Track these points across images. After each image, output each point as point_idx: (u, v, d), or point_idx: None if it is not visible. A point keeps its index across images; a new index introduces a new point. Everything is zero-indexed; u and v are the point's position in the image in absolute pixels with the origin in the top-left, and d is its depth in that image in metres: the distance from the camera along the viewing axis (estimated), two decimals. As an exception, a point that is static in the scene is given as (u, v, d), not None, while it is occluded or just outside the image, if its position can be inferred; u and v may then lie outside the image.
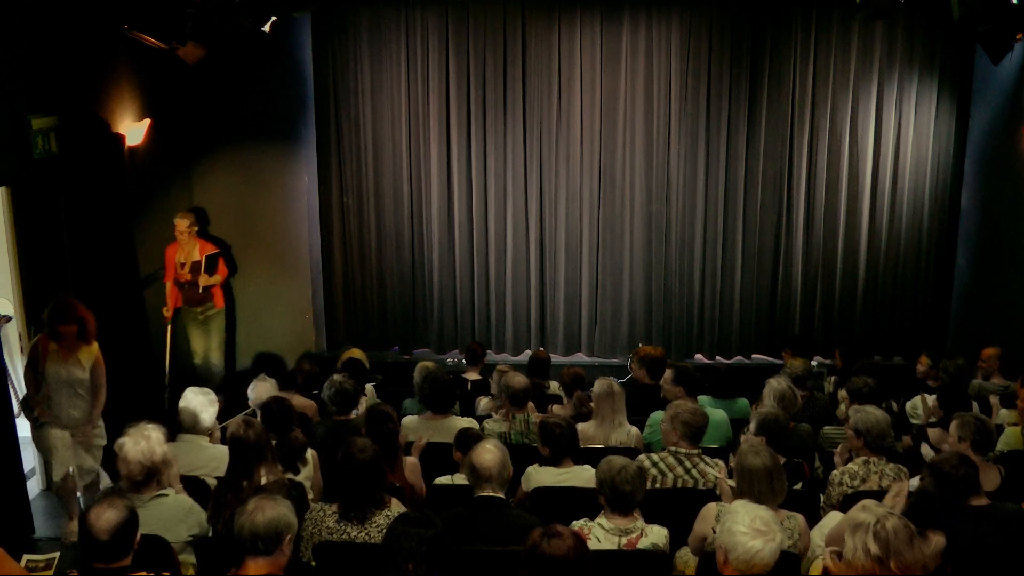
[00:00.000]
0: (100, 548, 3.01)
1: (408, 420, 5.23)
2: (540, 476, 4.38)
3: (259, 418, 4.59)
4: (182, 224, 7.57)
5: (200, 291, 7.73)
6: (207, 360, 8.08)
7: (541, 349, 8.70)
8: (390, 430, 4.42)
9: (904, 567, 2.81)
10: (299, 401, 5.70)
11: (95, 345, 5.35)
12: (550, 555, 2.82)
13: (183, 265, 7.64)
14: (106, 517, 3.01)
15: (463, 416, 5.57)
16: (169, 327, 7.72)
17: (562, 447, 4.38)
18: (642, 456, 4.49)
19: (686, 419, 4.38)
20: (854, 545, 2.88)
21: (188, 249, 7.66)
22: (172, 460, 3.95)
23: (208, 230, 8.47)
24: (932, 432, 5.22)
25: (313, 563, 3.59)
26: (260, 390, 5.38)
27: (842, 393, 6.01)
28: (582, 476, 4.38)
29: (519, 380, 5.32)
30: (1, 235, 5.81)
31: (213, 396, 4.80)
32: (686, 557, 3.98)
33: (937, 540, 3.24)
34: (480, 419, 5.52)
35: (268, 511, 3.03)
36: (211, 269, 7.76)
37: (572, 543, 2.86)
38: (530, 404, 5.41)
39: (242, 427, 4.03)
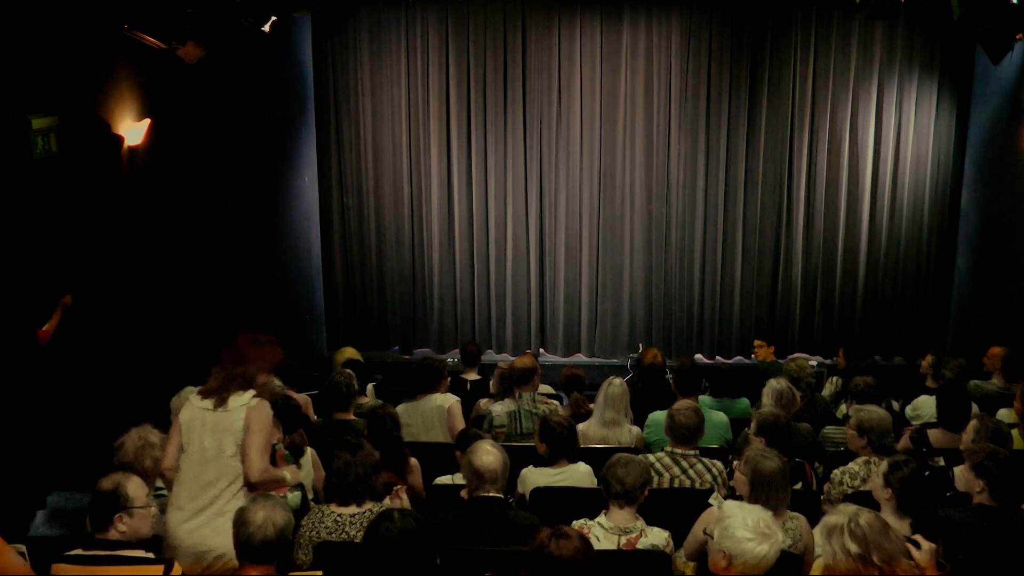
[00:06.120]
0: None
1: (398, 408, 5.29)
2: (535, 478, 4.37)
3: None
4: None
5: None
6: None
7: (542, 350, 8.71)
8: (397, 438, 4.50)
9: (887, 559, 2.82)
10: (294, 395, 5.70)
11: None
12: (557, 556, 2.81)
13: None
14: None
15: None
16: None
17: (560, 447, 4.38)
18: (639, 456, 4.49)
19: (680, 420, 4.46)
20: (833, 549, 2.89)
21: None
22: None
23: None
24: (932, 432, 5.21)
25: (305, 566, 3.59)
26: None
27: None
28: (576, 474, 4.39)
29: (526, 360, 5.73)
30: None
31: None
32: (684, 558, 3.96)
33: (926, 547, 3.22)
34: (478, 420, 5.52)
35: (279, 520, 3.02)
36: None
37: (579, 544, 2.85)
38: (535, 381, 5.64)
39: None
